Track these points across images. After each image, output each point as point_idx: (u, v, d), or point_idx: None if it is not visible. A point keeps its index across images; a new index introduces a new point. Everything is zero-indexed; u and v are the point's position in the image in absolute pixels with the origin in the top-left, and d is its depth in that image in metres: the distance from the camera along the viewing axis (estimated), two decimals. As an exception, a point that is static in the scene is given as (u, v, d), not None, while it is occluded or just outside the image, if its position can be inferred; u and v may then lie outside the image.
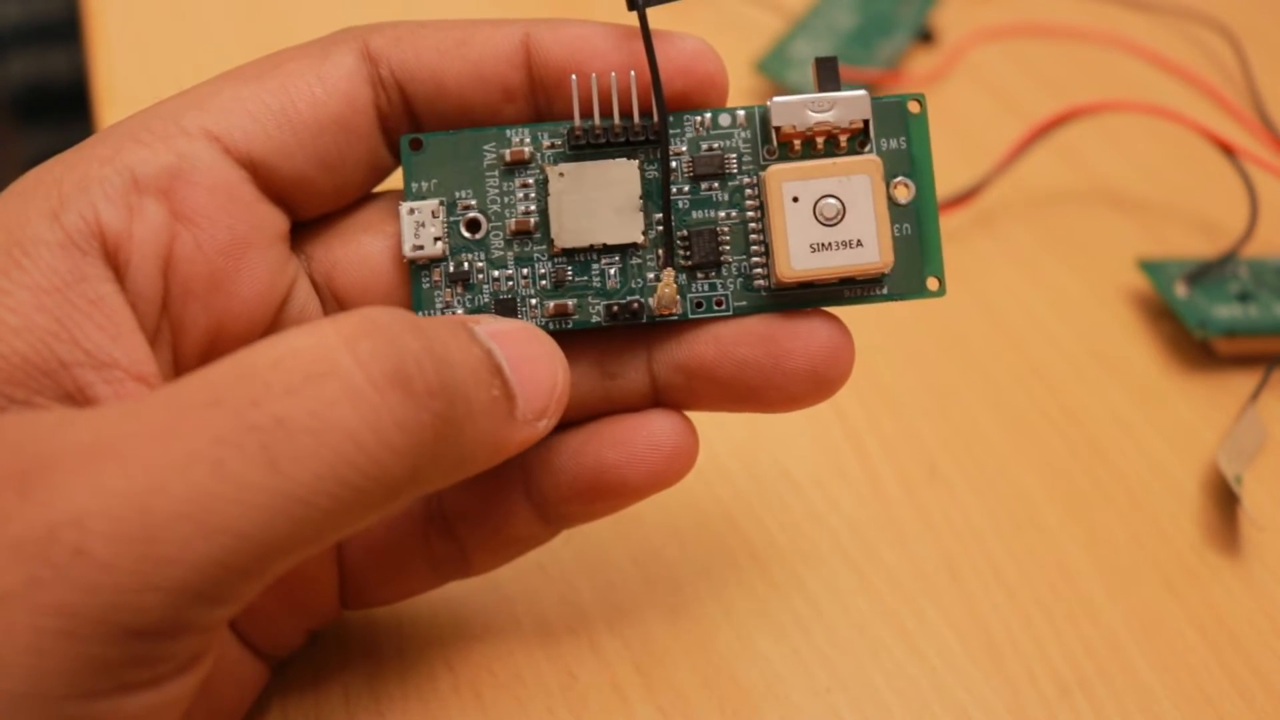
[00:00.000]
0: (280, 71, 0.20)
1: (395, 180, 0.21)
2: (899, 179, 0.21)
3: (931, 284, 0.21)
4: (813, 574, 0.26)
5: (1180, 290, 0.31)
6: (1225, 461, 0.27)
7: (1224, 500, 0.27)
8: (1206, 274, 0.31)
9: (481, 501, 0.22)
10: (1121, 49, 0.41)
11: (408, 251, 0.20)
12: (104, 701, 0.15)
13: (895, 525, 0.27)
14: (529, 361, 0.19)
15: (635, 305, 0.21)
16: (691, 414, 0.22)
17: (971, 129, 0.38)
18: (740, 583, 0.26)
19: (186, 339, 0.19)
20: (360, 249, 0.21)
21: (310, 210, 0.21)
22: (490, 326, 0.19)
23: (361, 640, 0.24)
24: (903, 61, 0.41)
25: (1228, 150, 0.32)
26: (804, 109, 0.20)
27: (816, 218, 0.20)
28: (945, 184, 0.35)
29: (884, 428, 0.29)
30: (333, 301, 0.21)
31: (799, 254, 0.20)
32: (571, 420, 0.22)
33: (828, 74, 0.21)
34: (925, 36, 0.42)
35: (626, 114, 0.21)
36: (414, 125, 0.21)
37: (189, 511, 0.15)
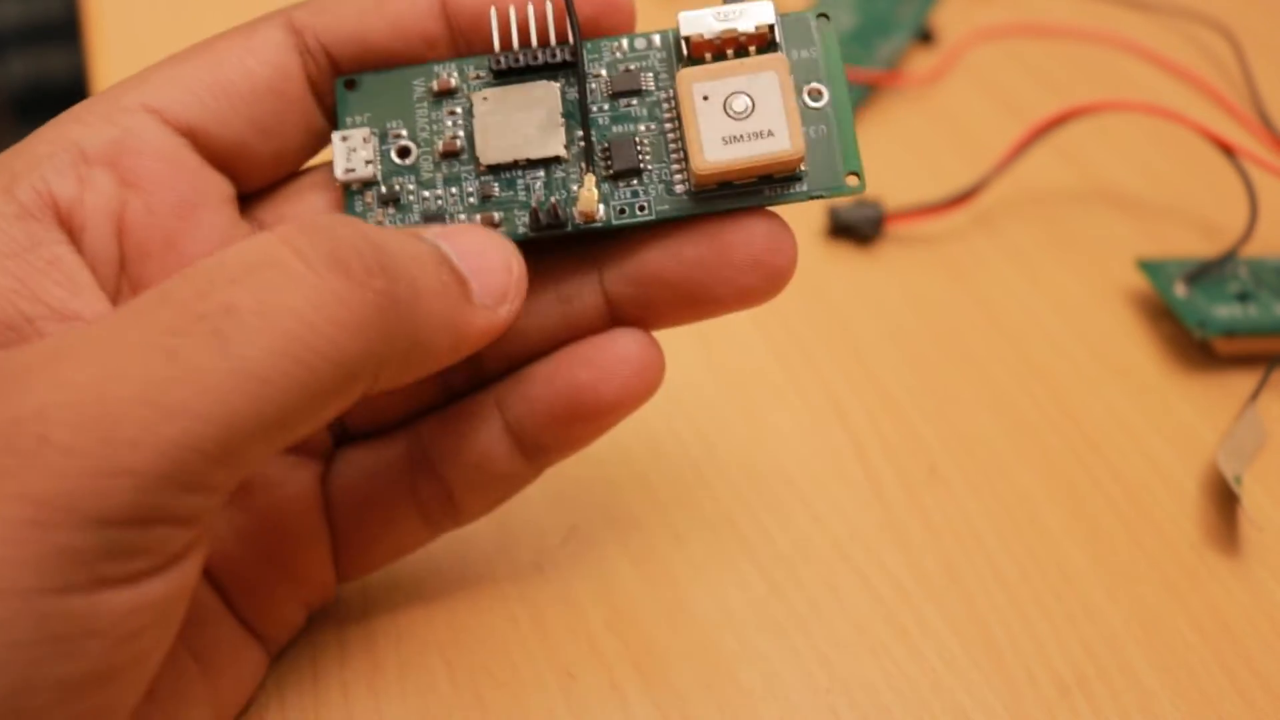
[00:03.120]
0: (211, 49, 0.21)
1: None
2: (812, 83, 0.21)
3: (851, 180, 0.21)
4: (813, 574, 0.26)
5: (1180, 290, 0.31)
6: (1225, 461, 0.27)
7: (1224, 500, 0.27)
8: (1206, 274, 0.31)
9: (461, 439, 0.22)
10: (1121, 49, 0.41)
11: (340, 174, 0.21)
12: (80, 597, 0.15)
13: (895, 526, 0.27)
14: (478, 251, 0.20)
15: (556, 209, 0.21)
16: (693, 413, 0.22)
17: (971, 129, 0.38)
18: (740, 583, 0.26)
19: None
20: (307, 205, 0.22)
21: (253, 178, 0.22)
22: (434, 229, 0.20)
23: (361, 639, 0.24)
24: (902, 61, 0.41)
25: (1228, 150, 0.32)
26: (709, 18, 0.21)
27: (727, 113, 0.21)
28: (945, 184, 0.35)
29: (884, 428, 0.29)
30: None
31: (712, 146, 0.21)
32: (537, 351, 0.22)
33: None
34: (925, 36, 0.42)
35: (545, 43, 0.21)
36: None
37: (147, 396, 0.15)
